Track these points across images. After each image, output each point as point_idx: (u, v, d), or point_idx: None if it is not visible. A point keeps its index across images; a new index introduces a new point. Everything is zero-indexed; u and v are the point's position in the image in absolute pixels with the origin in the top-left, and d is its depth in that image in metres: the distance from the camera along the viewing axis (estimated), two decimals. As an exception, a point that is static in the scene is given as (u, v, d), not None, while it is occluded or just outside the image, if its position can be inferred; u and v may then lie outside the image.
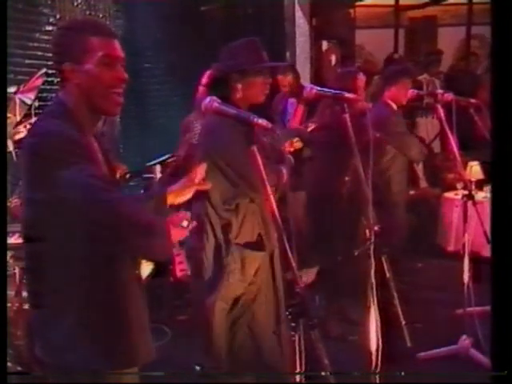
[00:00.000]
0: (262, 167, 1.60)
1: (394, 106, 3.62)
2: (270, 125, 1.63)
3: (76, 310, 1.45)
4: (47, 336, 1.49)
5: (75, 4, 4.67)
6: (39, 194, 1.40)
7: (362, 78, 3.22)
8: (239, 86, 2.20)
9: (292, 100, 4.33)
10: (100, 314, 1.47)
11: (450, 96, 2.98)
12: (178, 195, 1.66)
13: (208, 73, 2.53)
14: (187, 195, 1.69)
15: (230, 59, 2.23)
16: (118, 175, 1.65)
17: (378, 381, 2.12)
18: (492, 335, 1.40)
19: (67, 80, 1.52)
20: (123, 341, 1.51)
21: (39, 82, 3.32)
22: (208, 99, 1.73)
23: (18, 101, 3.26)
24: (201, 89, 2.98)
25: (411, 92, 3.33)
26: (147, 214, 1.45)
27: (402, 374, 1.77)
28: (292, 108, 4.32)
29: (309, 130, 2.89)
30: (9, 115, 3.09)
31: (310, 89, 2.51)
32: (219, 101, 1.74)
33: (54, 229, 1.41)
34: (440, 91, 3.15)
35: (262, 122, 1.62)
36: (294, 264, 1.54)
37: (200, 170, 1.68)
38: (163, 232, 1.42)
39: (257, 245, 2.26)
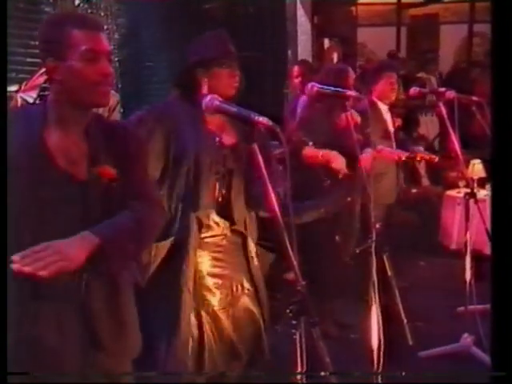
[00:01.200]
0: (262, 166, 1.59)
1: (381, 107, 3.58)
2: (270, 122, 1.62)
3: None
4: None
5: (76, 2, 4.68)
6: None
7: (351, 75, 3.20)
8: (205, 79, 2.12)
9: (305, 97, 4.31)
10: None
11: (452, 94, 2.96)
12: None
13: None
14: None
15: (194, 54, 2.16)
16: (102, 177, 1.53)
17: (378, 380, 2.12)
18: (492, 335, 1.40)
19: (51, 77, 1.48)
20: None
21: (41, 80, 3.32)
22: (208, 97, 1.71)
23: (19, 99, 3.27)
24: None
25: (413, 90, 3.31)
26: None
27: (403, 374, 1.76)
28: (302, 105, 4.32)
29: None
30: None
31: (312, 86, 2.50)
32: (220, 99, 1.73)
33: None
34: (442, 89, 3.13)
35: (262, 119, 1.60)
36: (295, 262, 1.53)
37: None
38: None
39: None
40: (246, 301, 2.22)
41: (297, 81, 4.29)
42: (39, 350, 1.48)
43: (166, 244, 2.10)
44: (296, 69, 4.32)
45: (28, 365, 1.47)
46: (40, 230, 1.43)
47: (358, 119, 2.86)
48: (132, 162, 1.59)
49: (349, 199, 3.08)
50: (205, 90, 2.11)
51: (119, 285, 1.59)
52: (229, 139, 2.20)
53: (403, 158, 3.34)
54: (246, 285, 2.22)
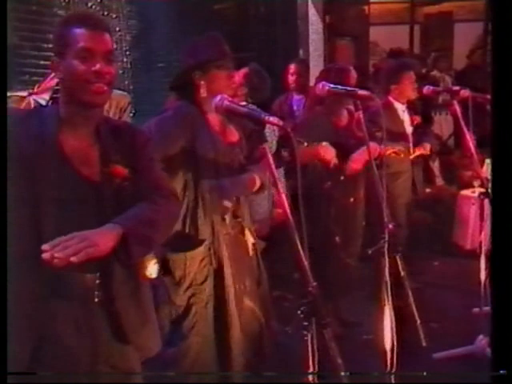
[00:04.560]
0: (272, 165, 1.58)
1: (397, 106, 3.54)
2: (281, 122, 1.61)
3: None
4: None
5: (89, 5, 4.70)
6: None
7: (353, 75, 3.17)
8: (202, 82, 2.14)
9: (298, 97, 4.30)
10: None
11: (466, 92, 2.93)
12: None
13: None
14: None
15: (190, 57, 2.18)
16: (114, 177, 1.57)
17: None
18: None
19: (56, 75, 1.54)
20: None
21: (53, 82, 3.33)
22: (218, 97, 1.71)
23: (32, 102, 3.28)
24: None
25: (427, 88, 3.27)
26: None
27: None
28: (298, 104, 4.29)
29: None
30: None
31: (323, 86, 2.48)
32: (230, 99, 1.72)
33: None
34: (456, 87, 3.09)
35: (273, 119, 1.60)
36: (305, 263, 1.52)
37: None
38: None
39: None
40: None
41: (292, 78, 4.26)
42: (59, 348, 1.50)
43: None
44: (292, 66, 4.28)
45: (48, 363, 1.49)
46: (55, 229, 1.43)
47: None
48: (143, 160, 1.61)
49: (351, 200, 3.07)
50: (203, 92, 2.13)
51: (139, 283, 1.64)
52: (231, 137, 2.23)
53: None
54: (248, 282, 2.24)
